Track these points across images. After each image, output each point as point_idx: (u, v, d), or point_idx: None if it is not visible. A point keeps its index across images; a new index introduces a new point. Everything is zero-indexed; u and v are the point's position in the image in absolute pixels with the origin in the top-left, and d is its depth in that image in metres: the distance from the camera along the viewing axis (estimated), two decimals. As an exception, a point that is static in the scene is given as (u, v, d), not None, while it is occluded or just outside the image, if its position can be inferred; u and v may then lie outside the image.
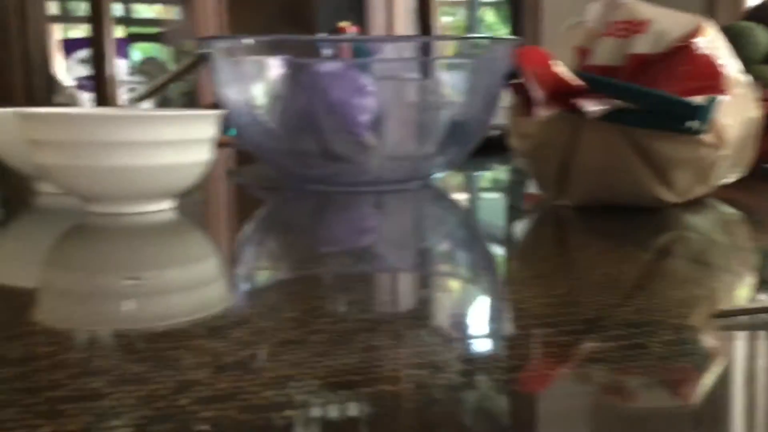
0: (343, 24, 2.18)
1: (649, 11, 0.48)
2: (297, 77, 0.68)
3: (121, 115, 0.48)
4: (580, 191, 0.51)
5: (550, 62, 0.44)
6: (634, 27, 0.47)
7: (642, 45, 0.47)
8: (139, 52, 2.44)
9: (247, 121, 0.65)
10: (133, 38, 2.39)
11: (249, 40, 0.61)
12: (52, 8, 2.08)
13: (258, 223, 0.54)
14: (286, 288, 0.36)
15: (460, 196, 0.71)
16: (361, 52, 0.84)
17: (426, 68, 0.72)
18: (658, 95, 0.44)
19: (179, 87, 2.04)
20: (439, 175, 0.70)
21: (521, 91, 0.47)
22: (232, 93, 0.65)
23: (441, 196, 0.67)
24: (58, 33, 2.18)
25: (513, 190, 0.72)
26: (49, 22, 1.93)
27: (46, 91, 1.89)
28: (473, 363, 0.25)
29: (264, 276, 0.40)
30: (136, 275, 0.37)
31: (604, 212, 0.51)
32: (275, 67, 0.65)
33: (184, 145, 0.50)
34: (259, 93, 0.66)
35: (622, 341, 0.27)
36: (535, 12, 2.55)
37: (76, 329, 0.30)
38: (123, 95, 1.86)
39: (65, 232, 0.48)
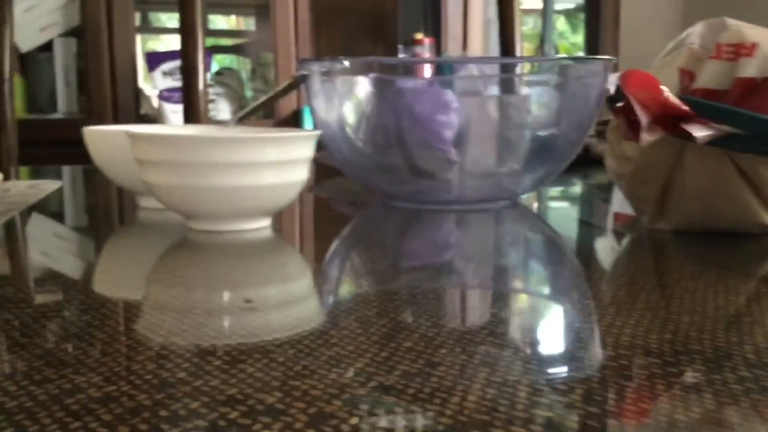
0: (418, 35, 2.19)
1: (756, 34, 0.46)
2: (384, 94, 0.69)
3: (224, 137, 0.49)
4: (680, 215, 0.50)
5: (656, 86, 0.43)
6: (741, 50, 0.46)
7: (750, 69, 0.46)
8: (216, 63, 2.50)
9: (337, 139, 0.66)
10: (210, 50, 2.44)
11: (344, 63, 0.62)
12: (136, 19, 2.15)
13: (346, 240, 0.54)
14: (379, 304, 0.36)
15: (547, 216, 0.71)
16: (445, 67, 0.84)
17: (510, 85, 0.72)
18: (766, 120, 0.43)
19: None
20: (526, 195, 0.70)
21: (624, 115, 0.47)
22: (323, 111, 0.66)
23: (526, 215, 0.67)
24: (140, 44, 2.25)
25: (601, 208, 0.71)
26: (135, 32, 1.99)
27: (134, 101, 1.95)
28: (572, 390, 0.25)
29: (352, 293, 0.40)
30: (249, 298, 0.38)
31: (703, 237, 0.50)
32: (363, 85, 0.66)
33: (283, 165, 0.51)
34: (348, 111, 0.67)
35: (748, 383, 0.26)
36: (614, 21, 2.50)
37: (181, 344, 0.31)
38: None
39: (168, 248, 0.50)
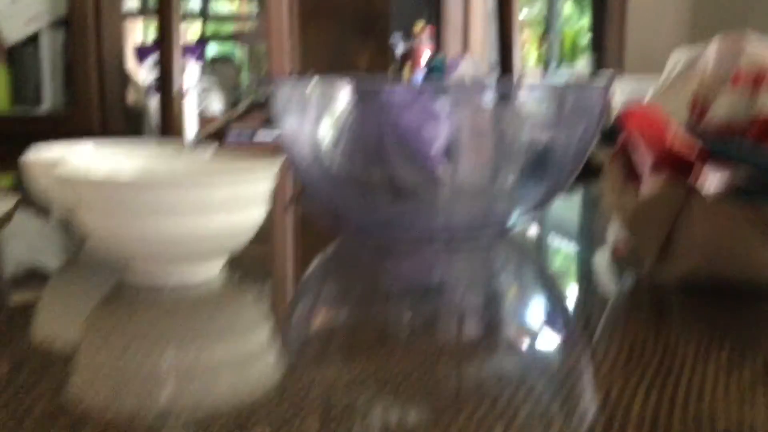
0: (418, 25, 2.11)
1: (781, 59, 0.40)
2: (365, 107, 0.62)
3: (161, 182, 0.43)
4: (685, 265, 0.44)
5: (661, 124, 0.37)
6: (762, 80, 0.39)
7: (772, 101, 0.39)
8: (215, 46, 2.42)
9: (307, 161, 0.59)
10: (208, 38, 2.37)
11: (313, 82, 0.56)
12: (130, 2, 2.08)
13: (312, 282, 0.48)
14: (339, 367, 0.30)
15: (540, 252, 0.64)
16: (437, 69, 0.77)
17: (506, 96, 0.65)
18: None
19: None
20: (517, 222, 0.63)
21: (623, 155, 0.40)
22: (292, 131, 0.59)
23: (518, 252, 0.60)
24: (133, 28, 2.18)
25: (600, 236, 0.65)
26: (125, 19, 1.93)
27: (120, 92, 1.89)
28: None
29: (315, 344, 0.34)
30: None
31: (711, 292, 0.43)
32: (342, 97, 0.59)
33: (236, 205, 0.45)
34: (323, 128, 0.61)
35: None
36: (621, 4, 2.41)
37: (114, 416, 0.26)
38: (194, 101, 1.84)
39: (106, 296, 0.44)
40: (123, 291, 0.45)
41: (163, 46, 1.01)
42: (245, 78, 2.19)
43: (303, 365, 0.34)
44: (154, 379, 0.32)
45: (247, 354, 0.36)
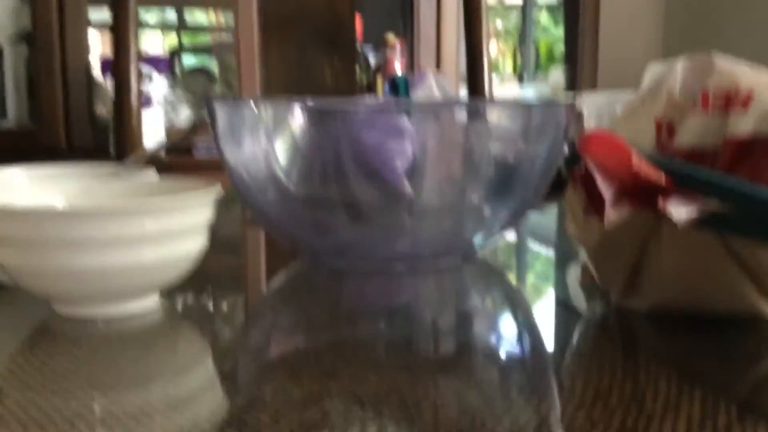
0: (389, 36, 2.09)
1: (752, 79, 0.37)
2: (323, 125, 0.58)
3: (86, 212, 0.39)
4: (655, 295, 0.41)
5: (624, 150, 0.34)
6: (733, 101, 0.36)
7: (743, 125, 0.36)
8: (192, 58, 2.37)
9: (255, 186, 0.56)
10: (180, 50, 2.32)
11: (255, 105, 0.52)
12: (97, 14, 2.03)
13: (264, 308, 0.45)
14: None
15: (508, 270, 0.61)
16: (400, 88, 0.75)
17: (471, 113, 0.62)
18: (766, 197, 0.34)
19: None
20: (484, 244, 0.60)
21: (584, 185, 0.37)
22: (235, 154, 0.55)
23: (485, 271, 0.57)
24: (101, 40, 2.13)
25: (569, 259, 0.62)
26: (90, 30, 1.89)
27: (87, 104, 1.85)
28: None
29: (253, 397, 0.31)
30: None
31: (683, 324, 0.40)
32: (296, 118, 0.56)
33: (171, 237, 0.41)
34: (274, 149, 0.57)
35: None
36: (594, 11, 2.39)
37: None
38: (160, 113, 1.80)
39: (28, 336, 0.40)
40: (51, 324, 0.41)
41: (118, 57, 0.98)
42: (220, 90, 2.15)
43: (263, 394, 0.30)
44: (75, 427, 0.28)
45: (186, 395, 0.32)
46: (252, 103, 0.54)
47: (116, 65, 0.98)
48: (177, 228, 0.41)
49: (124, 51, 0.98)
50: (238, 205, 0.78)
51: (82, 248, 0.39)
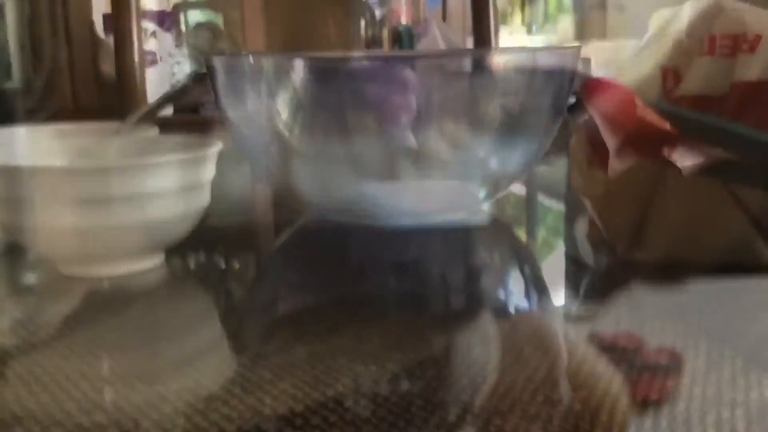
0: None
1: (760, 22, 0.36)
2: (326, 79, 0.58)
3: (88, 170, 0.39)
4: (661, 246, 0.41)
5: (629, 98, 0.33)
6: (740, 44, 0.35)
7: (751, 69, 0.35)
8: (198, 15, 2.33)
9: (259, 143, 0.55)
10: (185, 4, 2.29)
11: (255, 60, 0.51)
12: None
13: (272, 266, 0.45)
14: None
15: (514, 230, 0.61)
16: (404, 38, 0.73)
17: (475, 63, 0.61)
18: (774, 140, 0.33)
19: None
20: (491, 198, 0.59)
21: (588, 135, 0.36)
22: (238, 110, 0.55)
23: (492, 230, 0.57)
24: None
25: (578, 212, 0.61)
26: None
27: (91, 59, 1.83)
28: None
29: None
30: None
31: (689, 274, 0.40)
32: (298, 73, 0.55)
33: (173, 194, 0.41)
34: (277, 105, 0.56)
35: None
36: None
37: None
38: (169, 73, 1.78)
39: (33, 296, 0.41)
40: (55, 284, 0.42)
41: (118, 14, 0.96)
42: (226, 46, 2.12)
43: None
44: (79, 387, 0.28)
45: (191, 353, 0.32)
46: (252, 57, 0.53)
47: (117, 22, 0.97)
48: (178, 185, 0.41)
49: (125, 7, 0.97)
50: (246, 163, 0.78)
51: (85, 206, 0.39)
